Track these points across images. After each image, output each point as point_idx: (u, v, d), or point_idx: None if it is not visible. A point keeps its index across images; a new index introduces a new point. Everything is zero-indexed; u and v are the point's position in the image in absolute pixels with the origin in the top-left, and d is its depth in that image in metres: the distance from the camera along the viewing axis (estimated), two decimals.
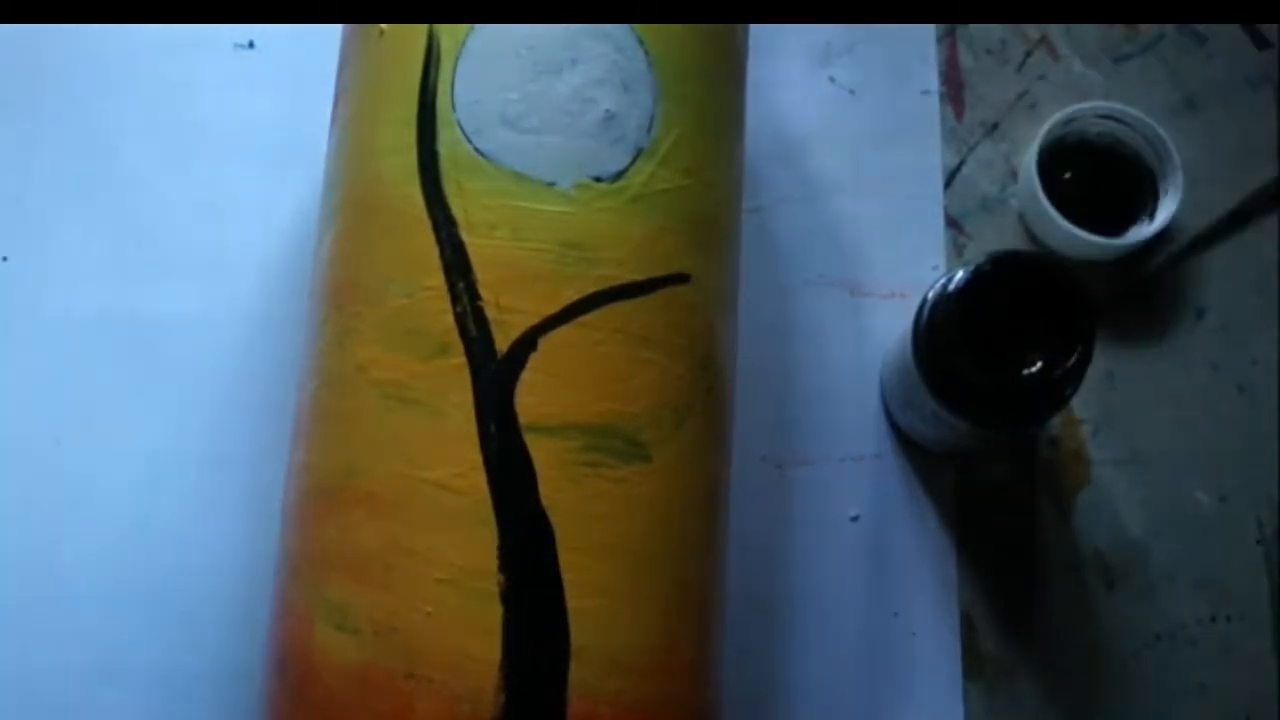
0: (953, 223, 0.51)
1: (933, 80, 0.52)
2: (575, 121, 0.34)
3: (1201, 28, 0.54)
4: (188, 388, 0.47)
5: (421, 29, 0.35)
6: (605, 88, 0.35)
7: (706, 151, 0.37)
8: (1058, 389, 0.40)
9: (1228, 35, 0.54)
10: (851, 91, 0.52)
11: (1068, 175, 0.50)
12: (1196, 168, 0.50)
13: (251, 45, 0.51)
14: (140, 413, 0.46)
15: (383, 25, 0.37)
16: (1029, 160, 0.50)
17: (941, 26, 0.53)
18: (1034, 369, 0.40)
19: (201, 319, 0.47)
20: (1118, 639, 0.47)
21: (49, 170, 0.49)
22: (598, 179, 0.34)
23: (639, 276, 0.34)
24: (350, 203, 0.36)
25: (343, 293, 0.35)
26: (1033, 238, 0.51)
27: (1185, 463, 0.49)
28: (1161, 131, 0.49)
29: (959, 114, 0.52)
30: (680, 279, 0.35)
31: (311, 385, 0.36)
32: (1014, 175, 0.52)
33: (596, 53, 0.35)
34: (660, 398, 0.34)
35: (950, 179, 0.51)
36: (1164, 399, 0.49)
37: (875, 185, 0.50)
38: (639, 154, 0.35)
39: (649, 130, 0.35)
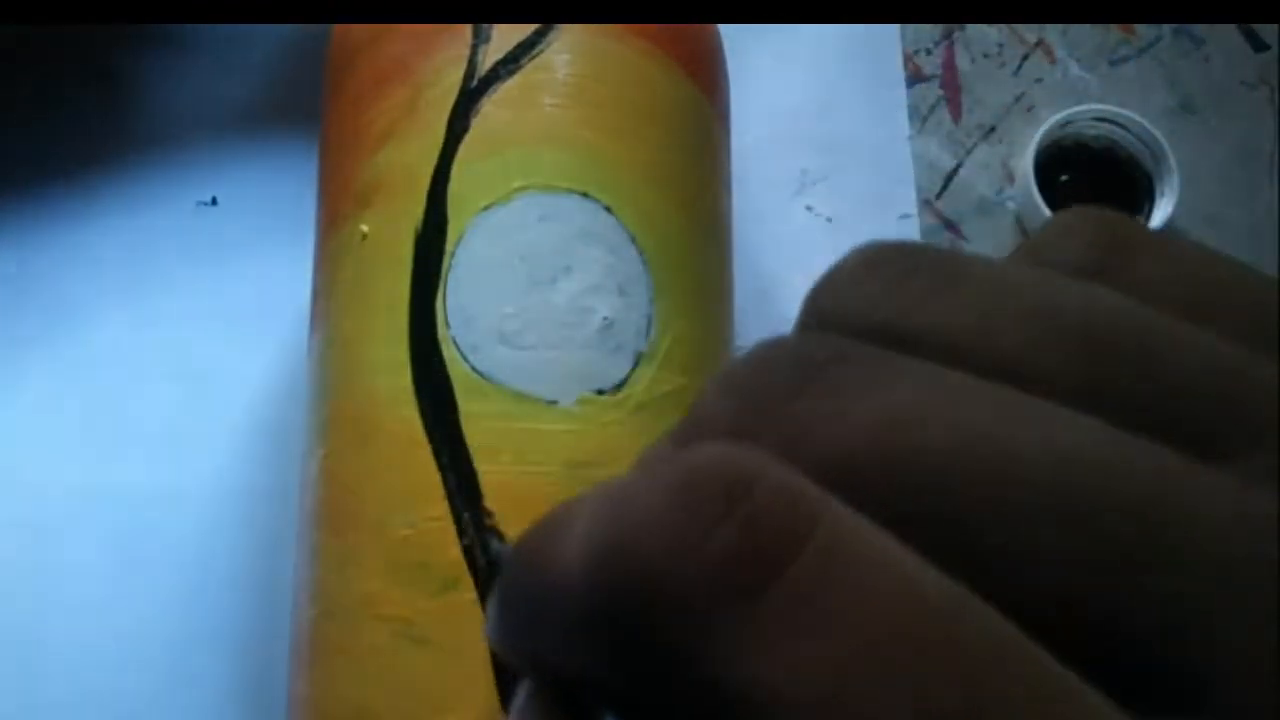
0: (950, 225, 0.51)
1: (911, 204, 0.52)
2: (574, 333, 0.33)
3: (1198, 30, 0.54)
4: (160, 565, 0.45)
5: (408, 237, 0.34)
6: (602, 294, 0.34)
7: (701, 343, 0.36)
8: None
9: (1225, 38, 0.55)
10: (829, 219, 0.51)
11: (1065, 178, 0.52)
12: (1193, 170, 0.50)
13: (214, 202, 0.49)
14: (114, 592, 0.44)
15: (364, 227, 0.36)
16: (1026, 163, 0.51)
17: (939, 29, 0.53)
18: None
19: (175, 492, 0.46)
20: None
21: (9, 341, 0.47)
22: (600, 392, 0.33)
23: None
24: (342, 421, 0.35)
25: (341, 519, 0.34)
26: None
27: None
28: (1158, 134, 0.50)
29: (956, 117, 0.53)
30: None
31: (311, 612, 0.34)
32: (1011, 178, 0.52)
33: (590, 258, 0.34)
34: None
35: (947, 182, 0.52)
36: None
37: None
38: (639, 360, 0.34)
39: (647, 334, 0.34)
